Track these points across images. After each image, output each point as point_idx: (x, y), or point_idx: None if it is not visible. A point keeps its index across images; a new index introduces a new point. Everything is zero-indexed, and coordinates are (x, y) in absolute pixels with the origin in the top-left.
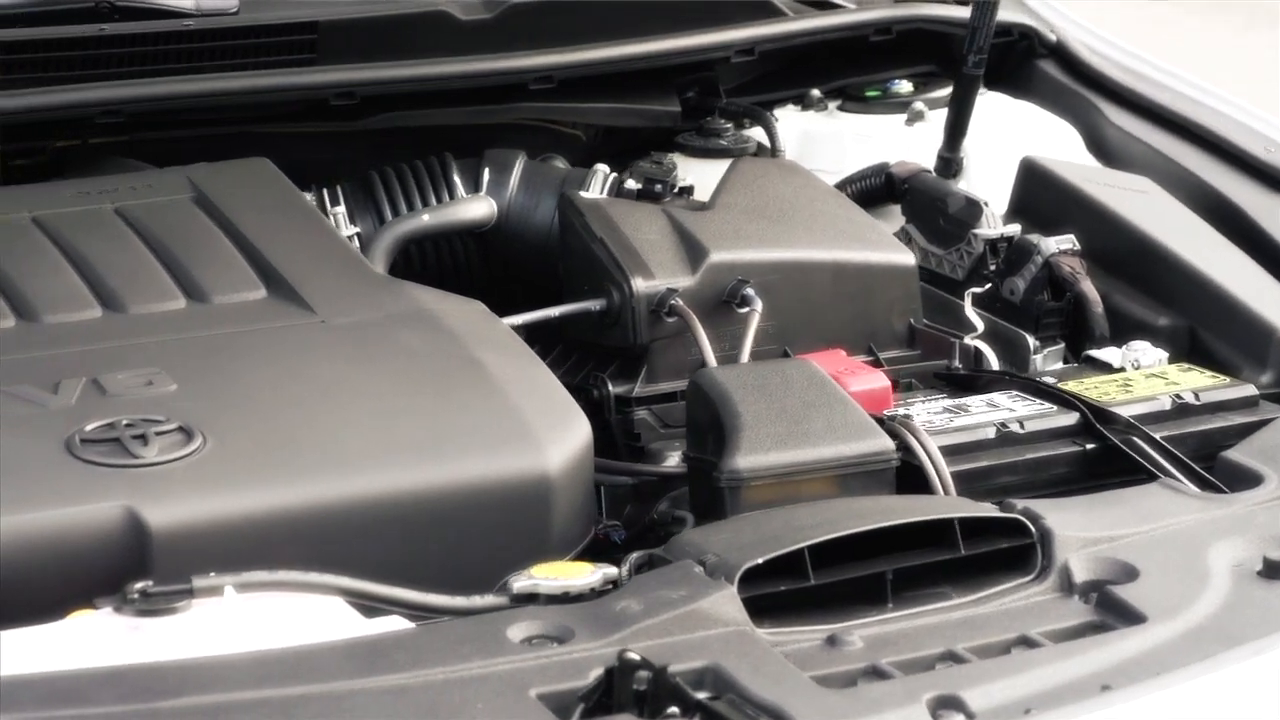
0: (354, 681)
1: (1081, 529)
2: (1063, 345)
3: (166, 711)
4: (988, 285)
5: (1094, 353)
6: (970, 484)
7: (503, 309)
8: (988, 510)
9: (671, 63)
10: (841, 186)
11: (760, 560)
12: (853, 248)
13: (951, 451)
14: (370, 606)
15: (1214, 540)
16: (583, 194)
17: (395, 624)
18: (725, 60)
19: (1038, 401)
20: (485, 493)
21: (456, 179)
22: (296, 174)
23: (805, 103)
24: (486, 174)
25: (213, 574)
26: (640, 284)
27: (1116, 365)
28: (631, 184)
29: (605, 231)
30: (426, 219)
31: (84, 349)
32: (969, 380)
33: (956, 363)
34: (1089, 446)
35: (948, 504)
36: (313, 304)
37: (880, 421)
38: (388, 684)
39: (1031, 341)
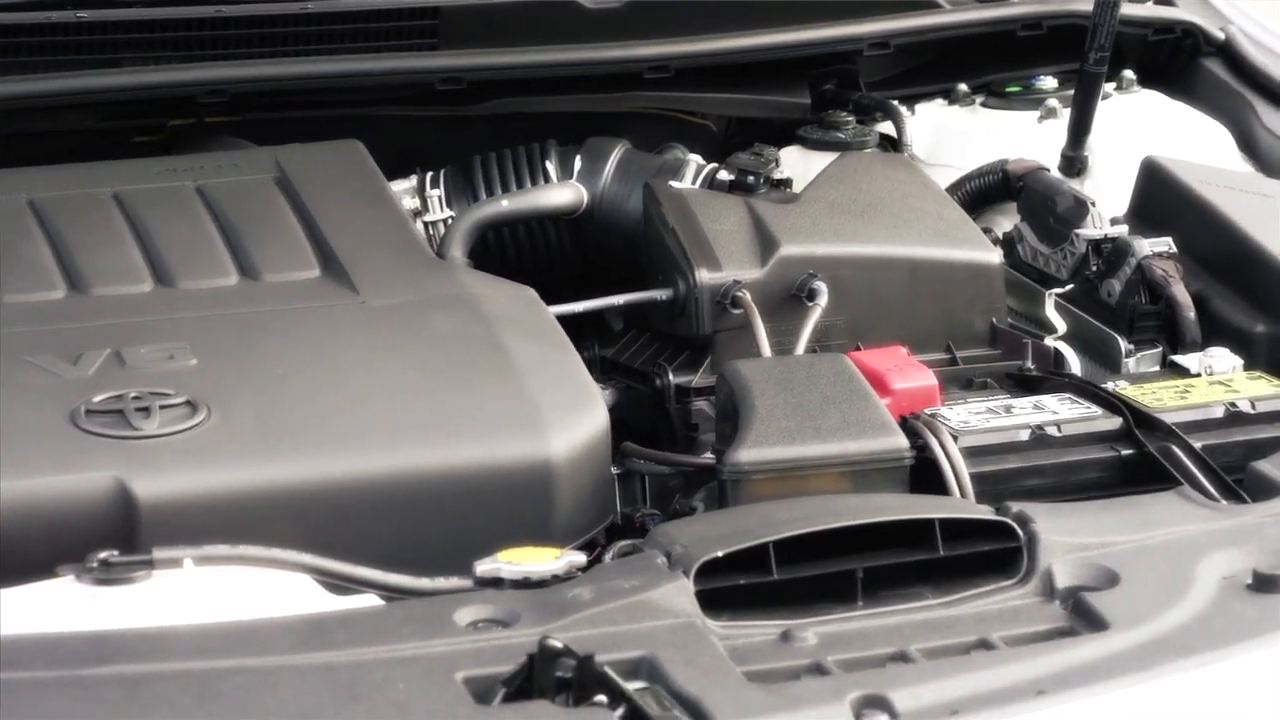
0: (285, 657)
1: (1071, 534)
2: (1160, 349)
3: (92, 679)
4: (1069, 286)
5: (1177, 358)
6: (995, 485)
7: (594, 295)
8: (973, 512)
9: (795, 55)
10: (960, 183)
11: (720, 553)
12: (934, 245)
13: (980, 453)
14: (337, 585)
15: (1211, 551)
16: (672, 184)
17: (363, 603)
18: (858, 54)
19: (1086, 405)
20: (485, 477)
21: (549, 166)
22: (411, 157)
23: (952, 97)
24: (578, 162)
25: (174, 546)
26: (705, 275)
27: (1193, 371)
28: (724, 175)
29: (679, 221)
30: (505, 205)
31: (120, 321)
32: (1033, 381)
33: (1029, 363)
34: (1124, 452)
35: (936, 504)
36: (358, 285)
37: (904, 420)
38: (317, 661)
39: (1124, 345)
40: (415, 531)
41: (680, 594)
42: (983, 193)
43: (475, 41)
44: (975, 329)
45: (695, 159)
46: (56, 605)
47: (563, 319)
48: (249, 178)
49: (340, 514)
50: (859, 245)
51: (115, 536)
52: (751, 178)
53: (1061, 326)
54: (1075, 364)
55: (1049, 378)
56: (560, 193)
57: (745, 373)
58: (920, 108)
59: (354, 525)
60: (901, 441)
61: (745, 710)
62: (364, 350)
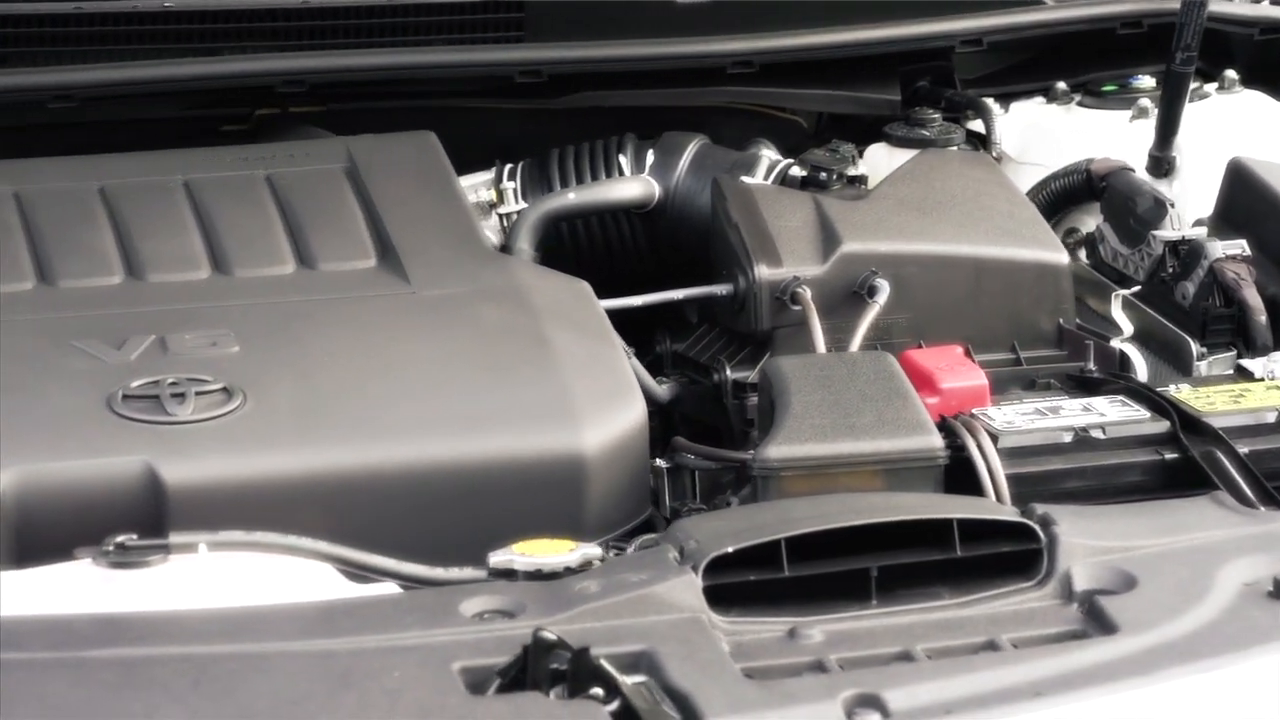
0: (285, 643)
1: (1095, 537)
2: (1233, 353)
3: (91, 661)
4: (1137, 287)
5: (1245, 362)
6: (1035, 487)
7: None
8: (995, 513)
9: (882, 51)
10: (1045, 183)
11: (730, 549)
12: (1000, 244)
13: (1020, 454)
14: (357, 574)
15: (1236, 557)
16: (743, 179)
17: (381, 591)
18: (950, 50)
19: (1136, 408)
20: (516, 468)
21: (622, 160)
22: (496, 150)
23: (1050, 95)
24: (651, 156)
25: (190, 531)
26: (764, 270)
27: (1257, 375)
28: (796, 171)
29: (742, 217)
30: (572, 198)
31: (169, 308)
32: (1092, 383)
33: (1091, 364)
34: (1168, 456)
35: (958, 505)
36: (410, 276)
37: (943, 420)
38: (317, 647)
39: (1196, 348)
40: (445, 522)
41: (686, 589)
42: (1067, 192)
43: (561, 35)
44: (1042, 329)
45: (768, 154)
46: (72, 587)
47: (638, 312)
48: (319, 167)
49: (369, 503)
50: (923, 243)
51: (144, 520)
52: (824, 174)
53: (1128, 328)
54: (1141, 366)
55: (1108, 380)
56: (628, 186)
57: (785, 369)
58: (1016, 106)
59: (383, 514)
60: (935, 441)
61: (735, 706)
62: (406, 340)
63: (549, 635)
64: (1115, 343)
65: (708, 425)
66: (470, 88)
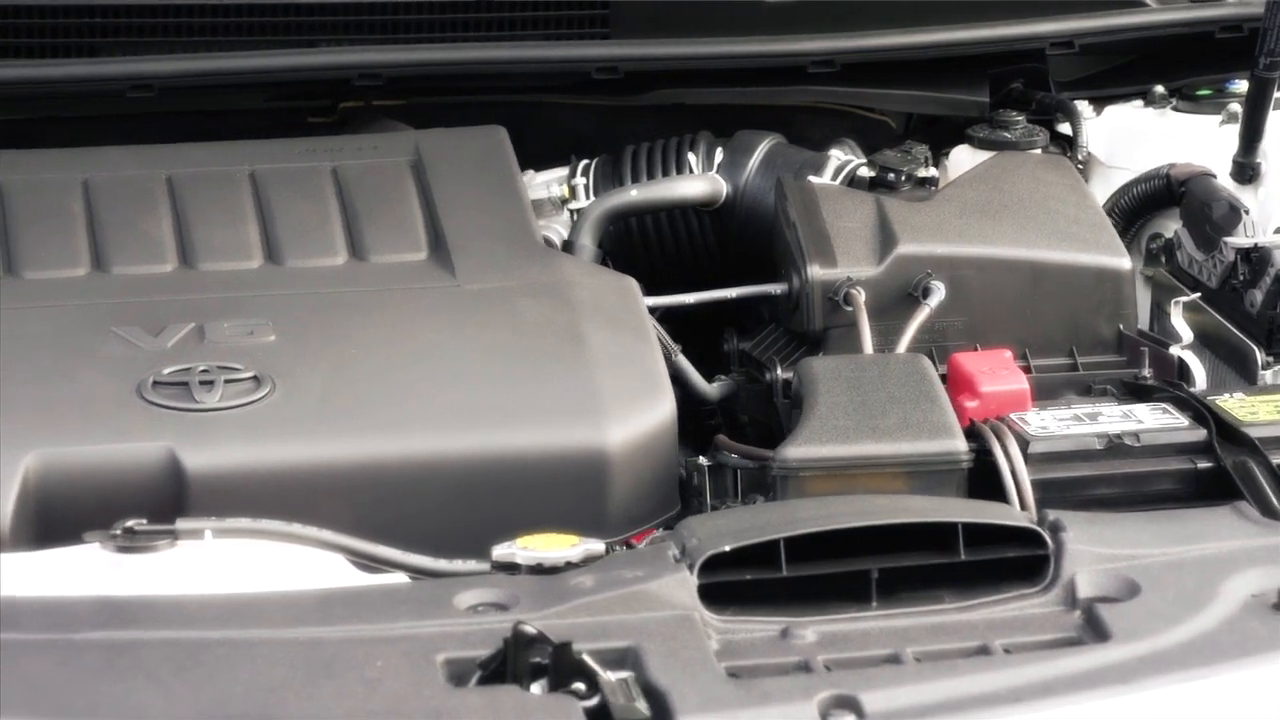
0: (274, 631)
1: (1104, 544)
2: None
3: (81, 643)
4: (1196, 294)
5: None
6: (1063, 493)
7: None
8: (1003, 518)
9: (965, 53)
10: (1127, 187)
11: (728, 548)
12: (1060, 248)
13: (1051, 459)
14: (362, 563)
15: (1246, 568)
16: (811, 179)
17: (389, 581)
18: (1040, 52)
19: (1177, 415)
20: (539, 463)
21: (691, 157)
22: (579, 145)
23: (1148, 99)
24: (719, 154)
25: (198, 518)
26: (817, 270)
27: None
28: (864, 172)
29: (801, 217)
30: (634, 194)
31: (212, 296)
32: (1141, 390)
33: (1145, 371)
34: (1200, 465)
35: (967, 509)
36: (457, 270)
37: (972, 424)
38: (305, 636)
39: (1261, 356)
40: (465, 515)
41: (679, 586)
42: (1148, 197)
43: (646, 33)
44: (1101, 334)
45: (836, 154)
46: (80, 569)
47: (712, 309)
48: (384, 160)
49: (389, 493)
50: (981, 246)
51: (166, 505)
52: (892, 175)
53: (1187, 335)
54: (1199, 373)
55: (1157, 387)
56: (692, 184)
57: (816, 370)
58: (1110, 109)
59: (403, 505)
60: (959, 445)
61: (710, 704)
62: (442, 333)
63: (529, 629)
64: (1175, 350)
65: (762, 424)
66: (549, 84)
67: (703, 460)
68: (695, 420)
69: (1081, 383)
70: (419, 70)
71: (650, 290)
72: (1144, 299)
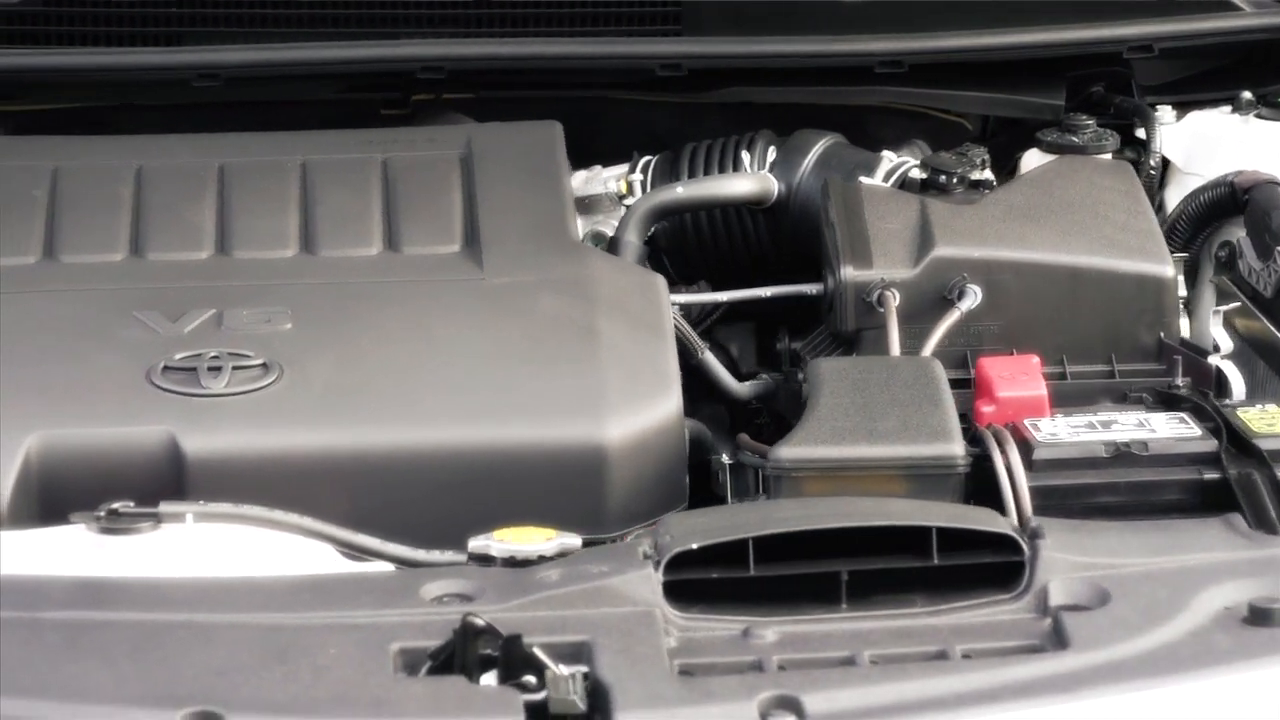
0: (235, 615)
1: (1081, 553)
2: None
3: (45, 622)
4: (1234, 304)
5: None
6: (1064, 500)
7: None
8: (978, 523)
9: (1037, 55)
10: (1194, 195)
11: (695, 546)
12: (1102, 254)
13: (1055, 466)
14: (348, 552)
15: (1224, 581)
16: (862, 179)
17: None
18: (1118, 56)
19: (1193, 425)
20: (533, 457)
21: (745, 156)
22: (648, 142)
23: (1235, 105)
24: (772, 153)
25: (181, 502)
26: (850, 271)
27: None
28: (916, 173)
29: (842, 217)
30: (680, 191)
31: (241, 283)
32: (1172, 399)
33: (1178, 379)
34: (1206, 476)
35: (945, 513)
36: (485, 263)
37: (974, 429)
38: (265, 621)
39: None
40: (460, 506)
41: (643, 583)
42: (1214, 205)
43: (716, 30)
44: (1142, 342)
45: (888, 155)
46: (64, 550)
47: (765, 306)
48: (435, 153)
49: (385, 483)
50: (1019, 250)
51: (166, 489)
52: (944, 177)
53: (1227, 344)
54: (1238, 383)
55: (1185, 397)
56: (739, 183)
57: (823, 370)
58: (1192, 115)
59: (399, 495)
60: (955, 449)
61: (651, 701)
62: (458, 326)
63: (477, 620)
64: (1213, 359)
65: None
66: (614, 80)
67: (725, 459)
68: (744, 419)
69: (1117, 390)
70: (480, 64)
71: (714, 289)
72: (1211, 306)
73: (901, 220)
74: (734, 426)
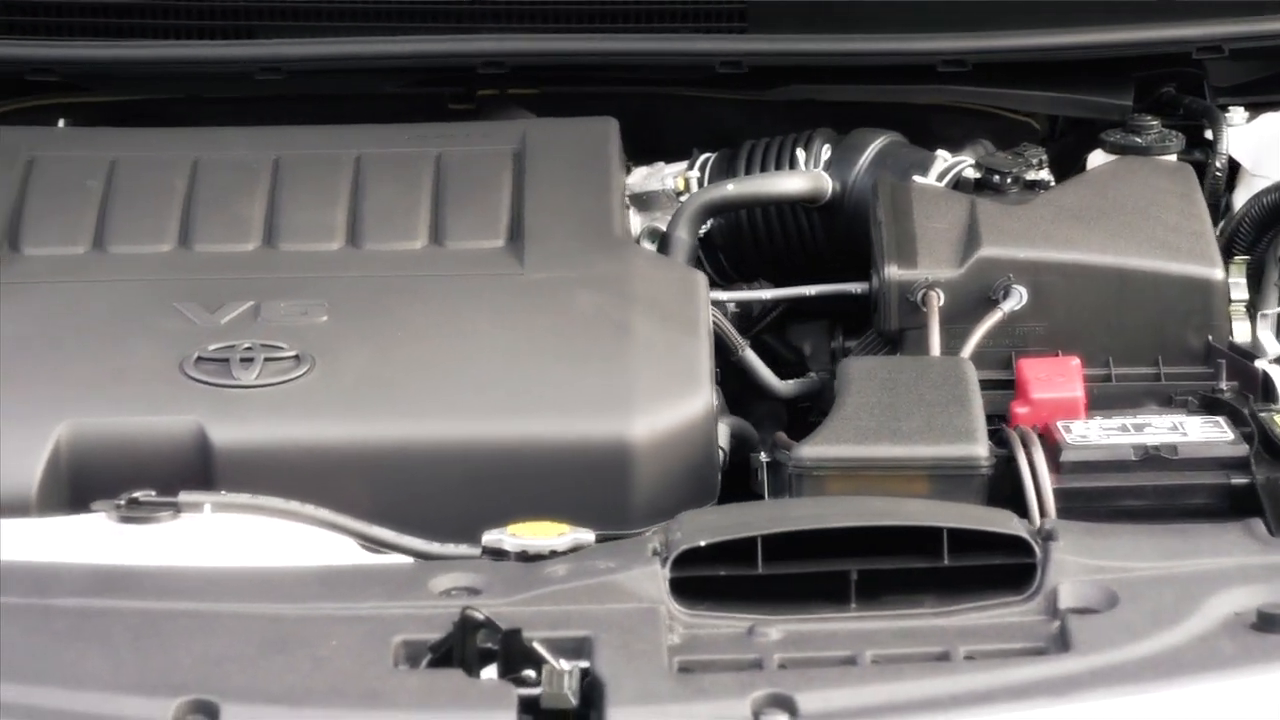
0: (240, 605)
1: (1092, 556)
2: None
3: (53, 609)
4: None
5: None
6: (1089, 503)
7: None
8: (991, 524)
9: (1105, 55)
10: (1258, 197)
11: (703, 543)
12: (1151, 256)
13: (1082, 468)
14: (365, 545)
15: (1236, 586)
16: (915, 178)
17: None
18: (1188, 56)
19: (1226, 429)
20: (560, 452)
21: (799, 154)
22: (711, 138)
23: None
24: (828, 151)
25: (201, 492)
26: (894, 271)
27: None
28: (970, 173)
29: (890, 216)
30: (730, 189)
31: (283, 275)
32: (1214, 403)
33: (1222, 384)
34: (1234, 480)
35: (958, 514)
36: (527, 259)
37: (1000, 430)
38: (269, 611)
39: None
40: (486, 500)
41: (649, 579)
42: (1276, 207)
43: (781, 28)
44: (1190, 344)
45: (942, 154)
46: (84, 537)
47: (837, 304)
48: (488, 148)
49: (410, 477)
50: (1066, 251)
51: (194, 479)
52: (997, 177)
53: (1274, 348)
54: None
55: (1226, 400)
56: (791, 180)
57: (852, 369)
58: (1263, 117)
59: (425, 489)
60: (978, 450)
61: (645, 697)
62: (493, 321)
63: (477, 614)
64: (1260, 363)
65: None
66: (675, 76)
67: (763, 457)
68: (798, 417)
69: (1163, 393)
70: (541, 60)
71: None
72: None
73: (949, 220)
74: (791, 425)
